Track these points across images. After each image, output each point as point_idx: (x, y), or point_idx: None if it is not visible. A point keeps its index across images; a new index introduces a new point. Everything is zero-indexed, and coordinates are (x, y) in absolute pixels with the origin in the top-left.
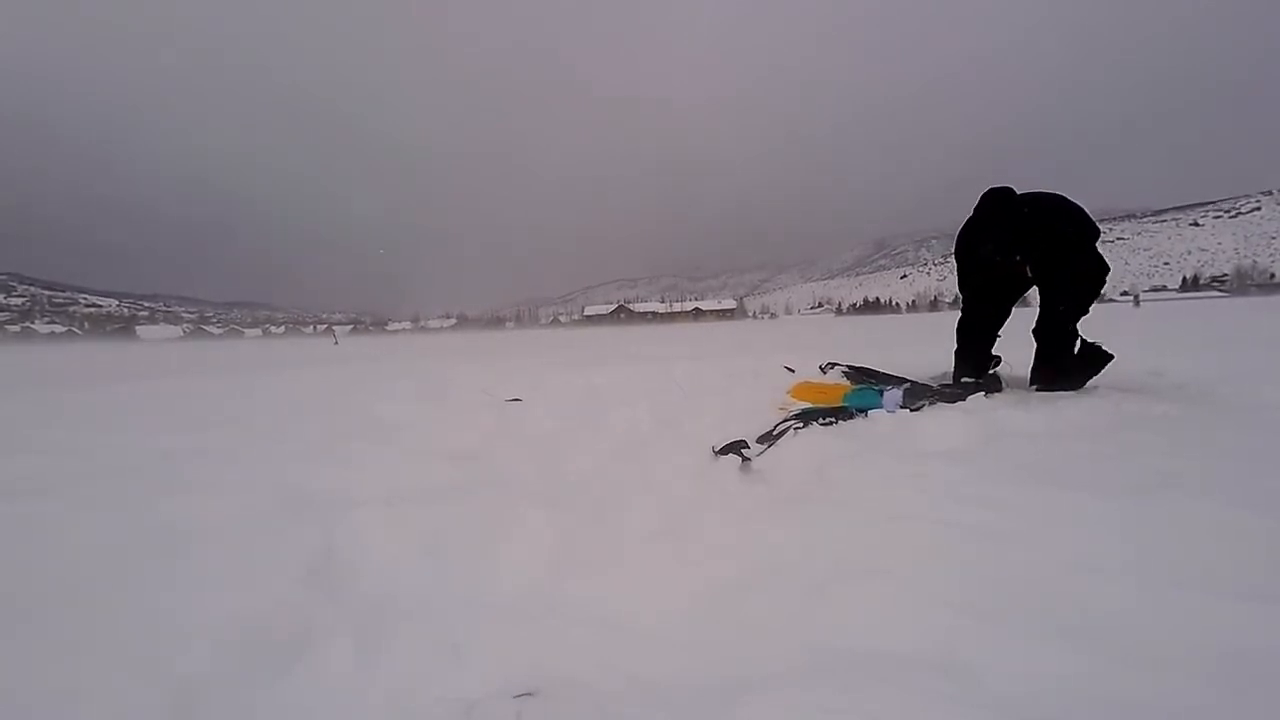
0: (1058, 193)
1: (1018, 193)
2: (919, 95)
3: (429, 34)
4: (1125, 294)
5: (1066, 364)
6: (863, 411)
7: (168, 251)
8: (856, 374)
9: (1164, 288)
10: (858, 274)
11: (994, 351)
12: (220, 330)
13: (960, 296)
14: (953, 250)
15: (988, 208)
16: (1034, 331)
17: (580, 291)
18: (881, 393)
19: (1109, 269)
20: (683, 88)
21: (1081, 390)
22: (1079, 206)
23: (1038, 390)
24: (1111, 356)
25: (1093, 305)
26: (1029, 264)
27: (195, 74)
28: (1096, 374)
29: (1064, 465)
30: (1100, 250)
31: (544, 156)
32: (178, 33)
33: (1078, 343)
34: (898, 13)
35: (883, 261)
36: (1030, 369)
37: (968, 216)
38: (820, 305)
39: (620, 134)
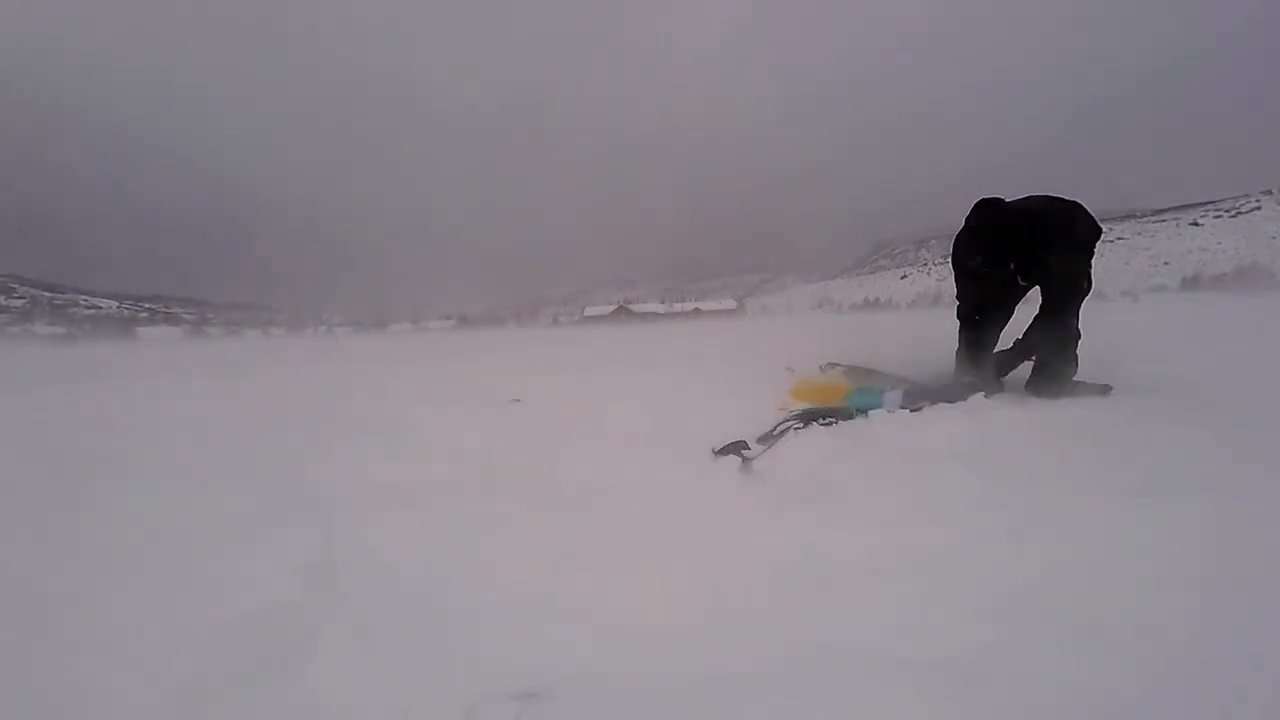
0: (1052, 195)
1: (1007, 201)
2: (919, 95)
3: (432, 33)
4: (1124, 294)
5: (1058, 370)
6: (863, 412)
7: (168, 253)
8: (857, 374)
9: (1164, 288)
10: (858, 274)
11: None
12: (220, 332)
13: (959, 300)
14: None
15: (976, 220)
16: (1026, 335)
17: (580, 292)
18: (882, 393)
19: (1088, 276)
20: (685, 89)
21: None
22: (1073, 209)
23: (1033, 395)
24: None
25: (1080, 308)
26: (1021, 273)
27: (198, 75)
28: (1084, 394)
29: (1064, 466)
30: (1100, 250)
31: (545, 157)
32: (180, 33)
33: (1078, 345)
34: (900, 18)
35: (883, 262)
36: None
37: (960, 227)
38: (820, 305)
39: (622, 135)
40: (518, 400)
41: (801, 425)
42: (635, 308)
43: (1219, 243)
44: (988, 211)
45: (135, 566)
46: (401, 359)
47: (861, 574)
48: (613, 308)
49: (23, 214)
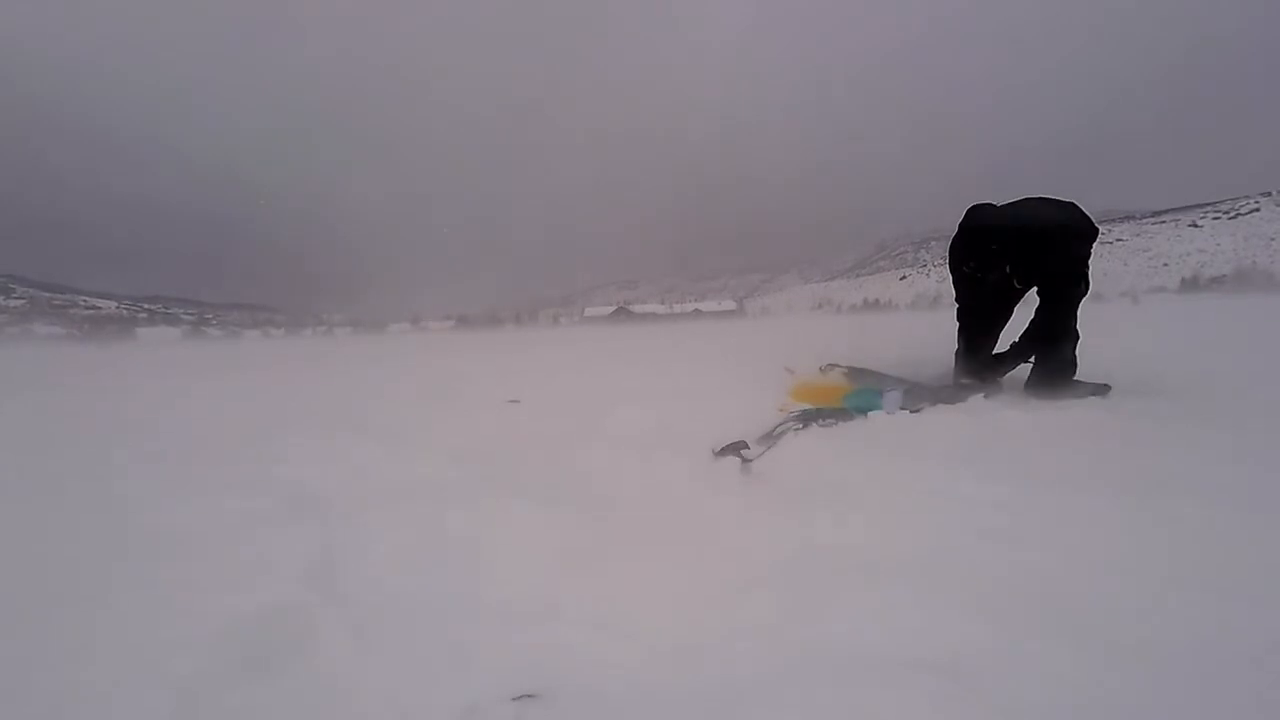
0: (1048, 197)
1: (1001, 204)
2: (920, 97)
3: (434, 32)
4: (1123, 295)
5: (1057, 371)
6: (863, 413)
7: (167, 253)
8: (856, 375)
9: (1163, 289)
10: (858, 275)
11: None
12: (220, 332)
13: (957, 302)
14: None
15: (967, 225)
16: (1024, 336)
17: (580, 293)
18: (881, 394)
19: (1085, 277)
20: (687, 90)
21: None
22: (1069, 211)
23: (1032, 396)
24: (1106, 387)
25: (1079, 305)
26: (1016, 276)
27: (199, 74)
28: (1084, 394)
29: (1064, 466)
30: (1099, 251)
31: (546, 157)
32: (180, 32)
33: (1077, 345)
34: (901, 19)
35: (882, 263)
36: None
37: (954, 233)
38: (820, 306)
39: (623, 135)
40: (516, 401)
41: (801, 426)
42: (635, 309)
43: (1218, 244)
44: (979, 216)
45: (133, 566)
46: (401, 359)
47: (861, 574)
48: (612, 309)
49: (23, 214)
